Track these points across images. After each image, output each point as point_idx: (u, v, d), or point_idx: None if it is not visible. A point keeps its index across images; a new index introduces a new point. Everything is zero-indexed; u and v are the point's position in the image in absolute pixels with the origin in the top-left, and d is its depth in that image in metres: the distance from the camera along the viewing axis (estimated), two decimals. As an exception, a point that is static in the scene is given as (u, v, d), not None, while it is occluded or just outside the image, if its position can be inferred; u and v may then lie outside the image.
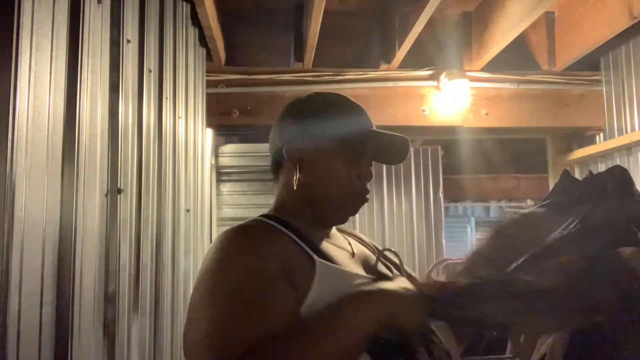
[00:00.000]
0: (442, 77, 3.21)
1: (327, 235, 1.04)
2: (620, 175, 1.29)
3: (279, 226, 0.95)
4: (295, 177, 0.99)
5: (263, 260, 0.85)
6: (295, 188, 0.99)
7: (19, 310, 0.98)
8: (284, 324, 0.76)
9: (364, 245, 1.14)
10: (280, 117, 1.08)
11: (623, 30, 2.62)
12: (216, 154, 3.36)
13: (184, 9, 2.38)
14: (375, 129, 1.05)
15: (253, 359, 0.72)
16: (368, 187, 1.03)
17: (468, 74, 3.21)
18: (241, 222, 0.96)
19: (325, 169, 1.00)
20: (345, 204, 1.02)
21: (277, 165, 1.06)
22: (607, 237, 1.16)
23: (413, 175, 3.90)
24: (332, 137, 1.00)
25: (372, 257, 1.07)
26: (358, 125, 1.03)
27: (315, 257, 0.90)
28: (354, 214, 1.04)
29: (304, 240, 0.93)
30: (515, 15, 2.59)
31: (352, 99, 1.08)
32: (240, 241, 0.89)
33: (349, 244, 1.08)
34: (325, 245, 0.98)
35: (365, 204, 1.04)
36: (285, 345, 0.74)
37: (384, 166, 4.14)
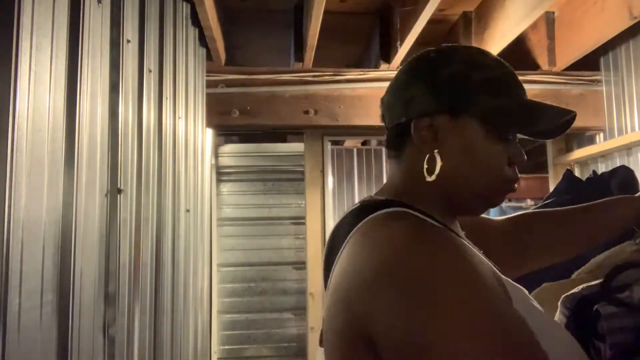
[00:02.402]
0: (442, 77, 3.20)
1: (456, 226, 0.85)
2: (625, 175, 1.28)
3: (425, 218, 0.75)
4: (435, 166, 0.77)
5: (475, 270, 0.65)
6: (428, 179, 0.78)
7: (19, 310, 0.98)
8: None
9: None
10: (405, 77, 0.84)
11: (623, 30, 2.62)
12: (216, 154, 3.36)
13: (184, 9, 2.38)
14: (526, 95, 0.83)
15: None
16: (517, 171, 0.82)
17: (468, 74, 3.20)
18: (387, 212, 0.74)
19: (472, 155, 0.78)
20: (493, 194, 0.81)
21: (399, 141, 0.83)
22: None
23: (413, 175, 3.90)
24: (481, 114, 0.77)
25: None
26: (513, 97, 0.80)
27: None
28: (500, 204, 0.83)
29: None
30: (515, 15, 2.59)
31: (497, 57, 0.83)
32: (432, 250, 0.66)
33: None
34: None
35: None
36: None
37: (383, 166, 4.14)
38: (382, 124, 0.89)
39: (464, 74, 0.79)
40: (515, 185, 0.81)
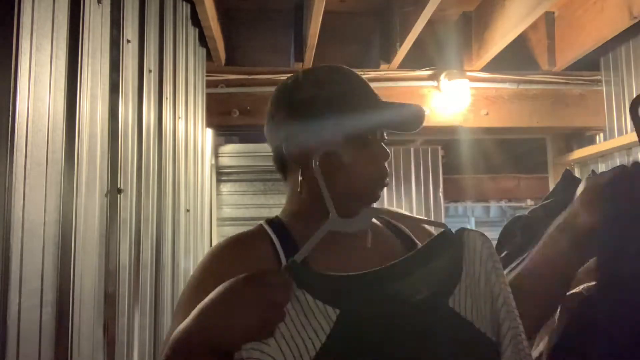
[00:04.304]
0: (442, 77, 3.21)
1: (340, 236, 0.84)
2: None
3: (271, 234, 0.89)
4: (299, 180, 0.88)
5: (210, 275, 0.83)
6: (300, 192, 0.89)
7: (19, 310, 0.98)
8: None
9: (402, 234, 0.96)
10: (272, 109, 0.94)
11: (623, 30, 2.62)
12: (216, 154, 3.36)
13: (184, 9, 2.38)
14: (377, 99, 0.92)
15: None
16: (386, 166, 0.90)
17: (468, 74, 3.21)
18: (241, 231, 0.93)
19: (334, 165, 0.85)
20: (363, 194, 0.89)
21: (281, 164, 0.94)
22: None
23: (413, 175, 3.90)
24: (333, 128, 0.87)
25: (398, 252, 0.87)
26: (359, 105, 0.90)
27: (283, 263, 0.81)
28: (375, 201, 0.90)
29: (289, 249, 0.85)
30: (515, 16, 2.59)
31: (344, 69, 0.95)
32: (211, 252, 0.90)
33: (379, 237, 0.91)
34: (324, 251, 0.79)
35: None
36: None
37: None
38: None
39: (314, 97, 0.90)
40: (386, 179, 0.90)
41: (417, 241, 0.95)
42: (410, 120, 0.92)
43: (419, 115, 0.92)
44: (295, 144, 0.89)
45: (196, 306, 0.70)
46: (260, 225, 0.92)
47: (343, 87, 0.91)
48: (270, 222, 0.93)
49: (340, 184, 0.86)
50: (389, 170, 0.92)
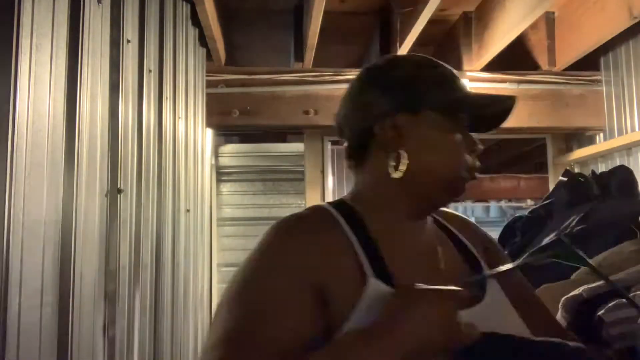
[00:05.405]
0: (442, 77, 3.20)
1: (414, 231, 0.84)
2: (625, 175, 1.28)
3: (343, 222, 0.79)
4: (397, 163, 0.79)
5: (296, 266, 0.73)
6: (395, 175, 0.80)
7: (19, 310, 0.98)
8: (294, 345, 0.66)
9: (465, 240, 0.90)
10: (359, 89, 0.87)
11: (623, 30, 2.62)
12: (216, 154, 3.36)
13: (184, 9, 2.38)
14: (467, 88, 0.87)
15: None
16: (472, 160, 0.83)
17: (468, 74, 3.20)
18: (300, 211, 0.82)
19: (436, 146, 0.81)
20: (456, 184, 0.82)
21: (362, 149, 0.85)
22: (607, 236, 1.16)
23: (413, 175, 3.90)
24: (436, 107, 0.81)
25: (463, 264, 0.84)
26: (460, 89, 0.85)
27: (369, 273, 0.73)
28: (462, 193, 0.84)
29: (367, 245, 0.76)
30: (515, 15, 2.59)
31: (437, 60, 0.89)
32: (282, 238, 0.77)
33: (442, 242, 0.86)
34: (400, 251, 0.79)
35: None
36: None
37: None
38: (341, 138, 0.90)
39: (415, 75, 0.84)
40: (476, 173, 0.84)
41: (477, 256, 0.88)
42: (499, 111, 0.86)
43: (508, 110, 0.85)
44: (393, 124, 0.81)
45: (266, 297, 0.70)
46: (323, 208, 0.82)
47: (442, 71, 0.86)
48: (337, 206, 0.82)
49: (438, 171, 0.81)
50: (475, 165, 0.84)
